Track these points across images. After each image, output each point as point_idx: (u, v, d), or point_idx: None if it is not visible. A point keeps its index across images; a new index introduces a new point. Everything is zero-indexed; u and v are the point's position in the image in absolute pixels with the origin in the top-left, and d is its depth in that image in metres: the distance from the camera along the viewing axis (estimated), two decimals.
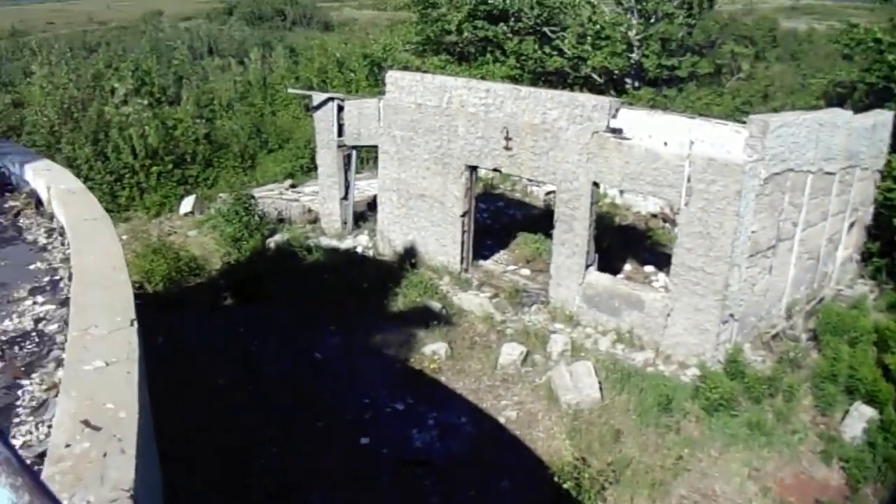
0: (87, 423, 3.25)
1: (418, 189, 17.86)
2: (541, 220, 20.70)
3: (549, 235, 17.49)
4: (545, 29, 29.94)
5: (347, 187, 20.60)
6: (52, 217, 6.81)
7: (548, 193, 22.79)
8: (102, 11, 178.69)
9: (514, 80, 28.36)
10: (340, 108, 19.55)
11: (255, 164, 29.69)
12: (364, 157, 25.59)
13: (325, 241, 20.31)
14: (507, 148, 15.99)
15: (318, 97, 20.39)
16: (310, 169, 27.59)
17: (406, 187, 18.10)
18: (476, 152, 16.56)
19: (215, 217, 22.50)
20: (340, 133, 19.71)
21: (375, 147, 19.24)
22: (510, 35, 30.11)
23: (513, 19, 30.23)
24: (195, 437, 11.73)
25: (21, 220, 7.05)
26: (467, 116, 16.48)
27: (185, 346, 14.90)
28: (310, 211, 22.50)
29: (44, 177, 7.08)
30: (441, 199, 17.51)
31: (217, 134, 30.64)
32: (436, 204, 17.65)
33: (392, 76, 18.10)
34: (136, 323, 4.24)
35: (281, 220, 22.17)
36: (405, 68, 29.92)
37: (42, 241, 6.45)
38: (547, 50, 29.14)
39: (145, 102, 29.29)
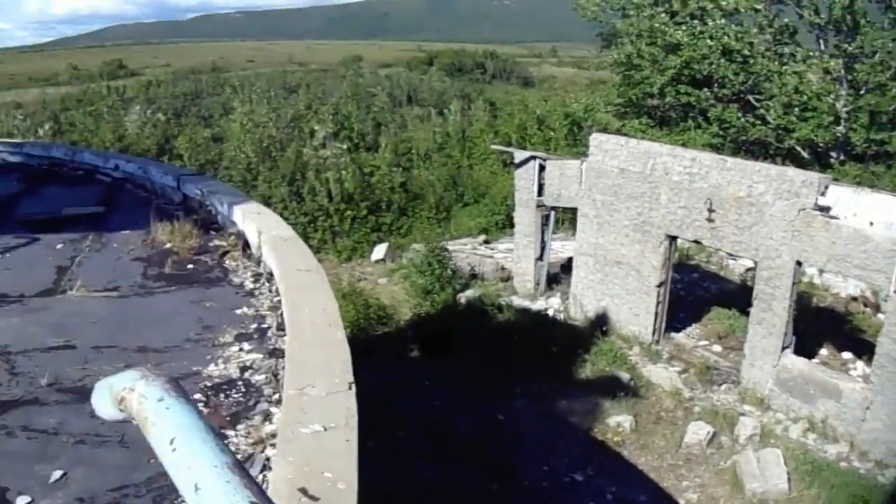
0: (304, 491, 3.26)
1: (615, 255, 18.30)
2: (736, 296, 20.61)
3: (743, 312, 17.48)
4: (749, 96, 29.88)
5: (543, 248, 21.23)
6: (259, 261, 7.10)
7: (748, 270, 22.71)
8: (302, 52, 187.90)
9: (716, 147, 28.38)
10: (542, 168, 20.26)
11: (450, 217, 30.79)
12: (560, 219, 26.26)
13: (517, 301, 20.92)
14: (709, 220, 16.24)
15: (520, 155, 21.20)
16: (504, 225, 28.38)
17: (603, 253, 18.57)
18: (677, 222, 16.89)
19: (407, 267, 23.54)
20: (540, 192, 20.42)
21: (574, 209, 19.86)
22: (713, 101, 30.22)
23: (716, 85, 30.32)
24: (367, 487, 12.38)
25: (227, 262, 7.43)
26: (670, 185, 16.86)
27: (368, 393, 15.69)
28: (503, 268, 23.25)
29: (254, 220, 7.30)
30: (638, 268, 17.89)
31: (413, 183, 31.94)
32: (632, 272, 18.04)
33: (596, 139, 18.70)
34: (354, 387, 4.29)
35: (473, 276, 22.97)
36: (605, 130, 30.48)
37: (249, 285, 6.73)
38: (750, 118, 29.06)
39: (344, 147, 30.91)
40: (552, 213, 21.04)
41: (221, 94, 61.61)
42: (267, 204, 28.28)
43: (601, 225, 18.48)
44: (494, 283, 22.68)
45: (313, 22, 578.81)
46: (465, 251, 24.55)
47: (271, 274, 6.41)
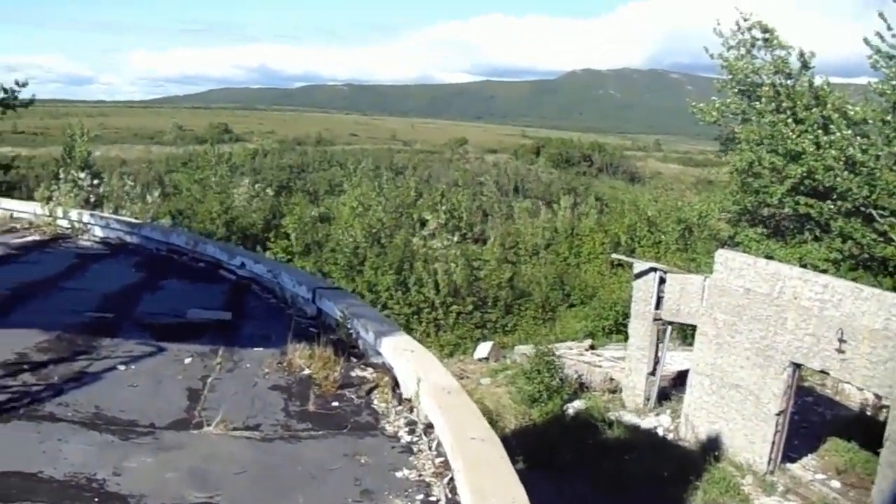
0: None
1: (734, 378, 17.79)
2: (855, 426, 19.86)
3: (865, 447, 16.87)
4: (872, 211, 29.08)
5: (656, 363, 20.84)
6: (411, 408, 6.66)
7: (879, 405, 21.77)
8: (406, 130, 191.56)
9: (834, 263, 27.65)
10: (662, 280, 19.98)
11: (555, 317, 30.51)
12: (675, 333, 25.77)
13: (626, 417, 20.51)
14: (839, 350, 15.68)
15: (640, 265, 20.93)
16: (611, 331, 27.96)
17: (721, 374, 18.08)
18: (804, 349, 16.36)
19: (513, 369, 23.26)
20: (658, 305, 20.10)
21: (691, 326, 19.46)
22: (835, 214, 29.46)
23: (837, 197, 29.59)
24: None
25: (375, 401, 7.13)
26: (799, 310, 16.38)
27: None
28: (611, 379, 22.84)
29: (408, 359, 6.97)
30: (757, 393, 17.34)
31: (519, 280, 31.81)
32: (750, 396, 17.49)
33: (722, 256, 18.34)
34: None
35: (581, 385, 22.61)
36: (717, 237, 30.07)
37: (405, 437, 6.24)
38: (873, 235, 28.25)
39: (454, 239, 30.94)
40: (668, 327, 20.64)
41: (328, 169, 62.69)
42: (370, 291, 28.47)
43: (721, 345, 18.02)
44: (602, 394, 22.27)
45: (417, 100, 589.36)
46: (572, 357, 24.18)
47: (429, 426, 6.09)
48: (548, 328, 29.23)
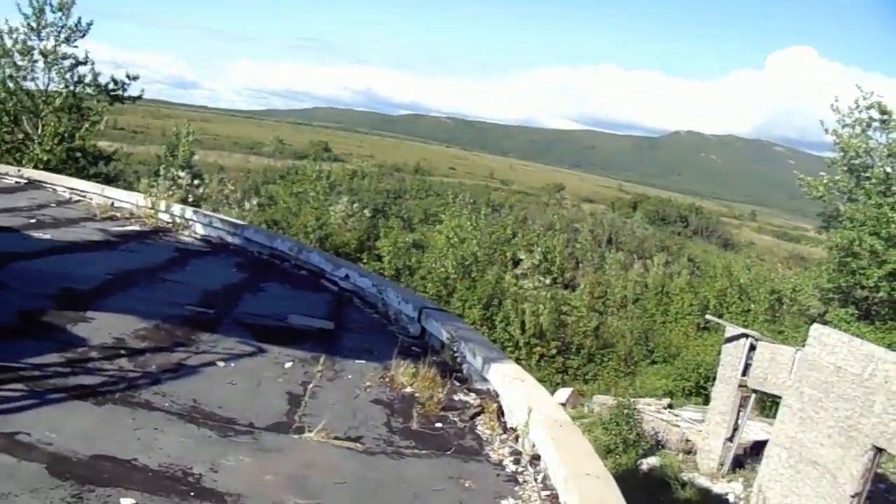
0: None
1: (812, 454, 17.74)
2: None
3: None
4: None
5: (735, 429, 20.85)
6: (517, 437, 6.62)
7: None
8: (504, 169, 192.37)
9: None
10: (752, 347, 20.04)
11: (636, 372, 30.59)
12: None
13: (699, 479, 20.55)
14: None
15: (732, 330, 21.00)
16: (691, 393, 27.97)
17: (800, 449, 18.04)
18: (888, 434, 16.26)
19: (591, 418, 23.44)
20: (745, 373, 20.15)
21: (774, 396, 19.46)
22: None
23: None
24: None
25: (479, 427, 7.24)
26: (888, 394, 16.30)
27: None
28: (687, 440, 22.88)
29: (516, 387, 6.96)
30: (834, 472, 17.27)
31: (605, 330, 31.97)
32: (827, 475, 17.42)
33: (817, 330, 18.31)
34: None
35: (657, 443, 22.69)
36: (804, 313, 29.88)
37: (510, 466, 6.19)
38: None
39: (547, 281, 31.23)
40: (752, 395, 20.66)
41: (424, 198, 63.27)
42: None
43: (804, 420, 17.99)
44: (676, 453, 22.31)
45: (518, 141, 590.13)
46: (650, 413, 24.27)
47: (535, 457, 6.15)
48: (628, 381, 29.31)
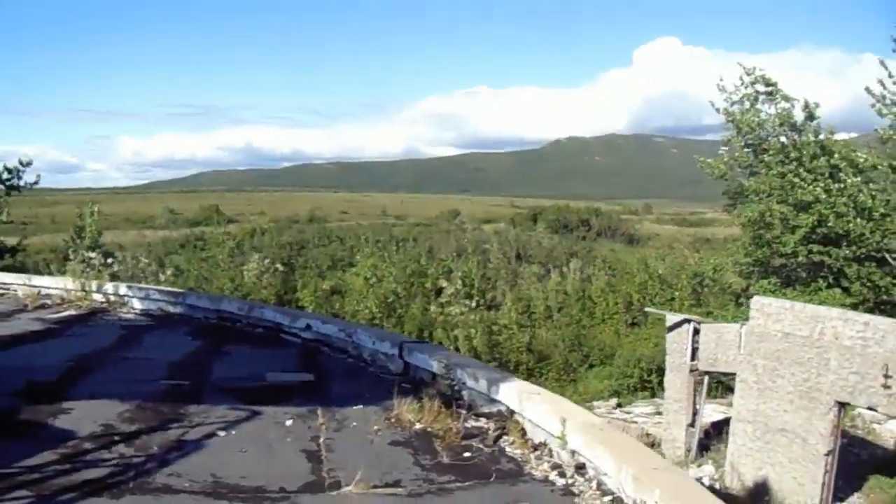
0: None
1: (778, 423, 17.87)
2: (891, 463, 20.03)
3: None
4: (886, 255, 29.30)
5: (695, 414, 20.91)
6: (550, 451, 6.60)
7: None
8: (396, 205, 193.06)
9: (852, 308, 27.83)
10: (696, 331, 20.15)
11: (577, 379, 30.55)
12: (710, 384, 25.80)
13: None
14: (885, 386, 15.83)
15: (672, 318, 21.10)
16: (636, 388, 28.05)
17: (764, 420, 18.16)
18: (849, 388, 16.47)
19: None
20: (693, 357, 20.24)
21: (725, 374, 19.58)
22: (849, 260, 29.65)
23: (850, 244, 29.77)
24: None
25: (507, 448, 6.96)
26: (840, 350, 16.53)
27: None
28: (647, 434, 22.89)
29: (536, 401, 6.82)
30: (803, 436, 17.42)
31: (536, 344, 31.92)
32: (797, 440, 17.56)
33: (758, 302, 18.52)
34: None
35: None
36: (726, 290, 30.39)
37: (558, 480, 6.13)
38: (889, 278, 28.51)
39: (472, 304, 31.09)
40: (705, 377, 20.75)
41: (328, 245, 62.80)
42: None
43: (762, 391, 18.13)
44: None
45: (404, 175, 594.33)
46: (602, 416, 24.20)
47: (580, 466, 5.97)
48: (571, 390, 29.23)
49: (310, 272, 38.37)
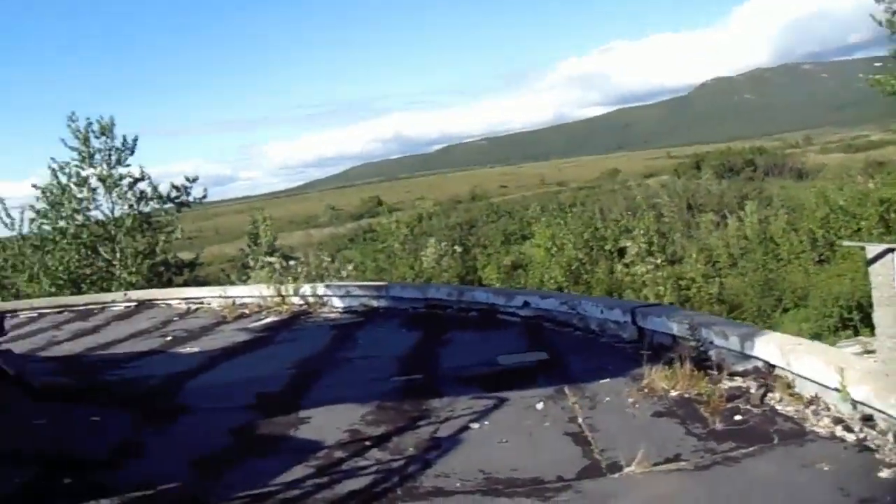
0: None
1: None
2: None
3: None
4: None
5: None
6: (826, 404, 6.06)
7: None
8: (553, 172, 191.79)
9: None
10: None
11: (773, 325, 29.53)
12: None
13: None
14: None
15: (872, 249, 20.06)
16: (836, 329, 27.03)
17: None
18: None
19: None
20: None
21: None
22: None
23: None
24: None
25: (778, 407, 6.40)
26: None
27: None
28: None
29: (799, 353, 6.38)
30: None
31: (726, 293, 31.08)
32: None
33: None
34: None
35: None
36: None
37: (848, 436, 5.59)
38: None
39: (658, 262, 30.45)
40: None
41: (497, 220, 62.68)
42: None
43: None
44: None
45: (554, 142, 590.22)
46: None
47: (866, 417, 5.55)
48: None
49: (489, 250, 38.20)
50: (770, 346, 6.64)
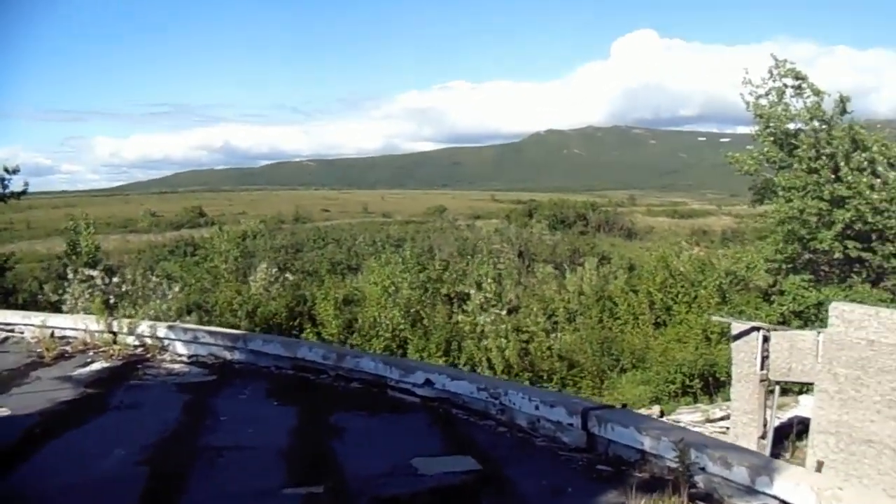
0: None
1: (863, 434, 17.33)
2: None
3: None
4: None
5: (765, 425, 20.33)
6: None
7: None
8: (377, 202, 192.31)
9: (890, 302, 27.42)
10: (765, 339, 19.58)
11: (609, 386, 29.82)
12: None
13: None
14: None
15: (738, 326, 20.51)
16: (677, 394, 27.50)
17: (848, 430, 17.61)
18: None
19: None
20: (763, 366, 19.67)
21: (799, 384, 19.05)
22: (893, 254, 29.10)
23: (883, 238, 29.30)
24: None
25: None
26: None
27: None
28: None
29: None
30: (893, 446, 16.94)
31: (564, 349, 31.23)
32: (885, 450, 17.03)
33: (837, 308, 17.94)
34: None
35: None
36: (751, 289, 30.01)
37: None
38: None
39: (503, 312, 30.28)
40: (777, 388, 20.21)
41: (323, 246, 61.75)
42: None
43: (844, 401, 17.58)
44: None
45: (383, 170, 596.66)
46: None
47: None
48: (607, 397, 28.53)
49: (324, 283, 36.92)
50: (804, 491, 5.60)
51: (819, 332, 18.31)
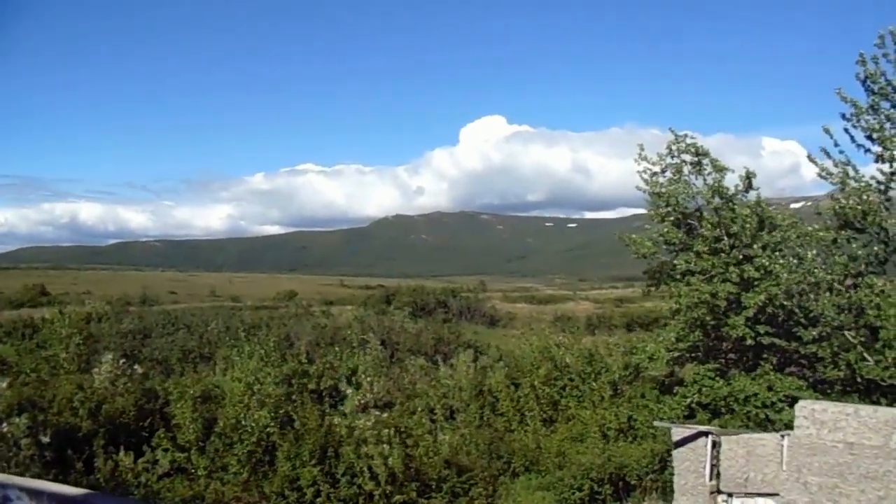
0: None
1: None
2: None
3: None
4: (846, 333, 27.39)
5: None
6: None
7: None
8: (224, 285, 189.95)
9: (812, 389, 25.95)
10: (714, 444, 17.29)
11: (503, 493, 26.99)
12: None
13: None
14: None
15: (680, 431, 18.13)
16: (584, 502, 25.03)
17: None
18: None
19: None
20: (712, 476, 17.34)
21: (761, 494, 16.80)
22: (814, 339, 27.56)
23: (808, 324, 27.89)
24: None
25: None
26: None
27: None
28: None
29: None
30: None
31: (449, 452, 28.40)
32: None
33: (805, 407, 15.82)
34: None
35: None
36: (647, 380, 28.70)
37: None
38: (860, 356, 26.61)
39: (384, 416, 27.44)
40: (731, 498, 17.82)
41: (174, 332, 57.93)
42: (293, 489, 23.89)
43: None
44: None
45: (230, 254, 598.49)
46: None
47: None
48: None
49: (186, 376, 32.92)
50: None
51: (783, 436, 16.14)
